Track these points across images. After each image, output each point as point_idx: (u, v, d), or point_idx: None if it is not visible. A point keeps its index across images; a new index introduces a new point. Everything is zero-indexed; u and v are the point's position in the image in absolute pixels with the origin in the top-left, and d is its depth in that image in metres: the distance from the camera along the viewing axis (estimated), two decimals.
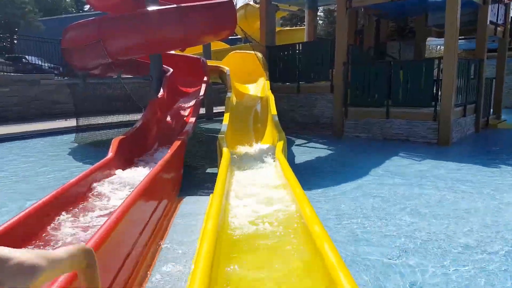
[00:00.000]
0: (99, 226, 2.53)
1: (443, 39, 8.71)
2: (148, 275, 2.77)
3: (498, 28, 10.99)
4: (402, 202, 4.50)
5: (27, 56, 17.57)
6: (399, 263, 2.97)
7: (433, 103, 8.56)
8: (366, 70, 9.49)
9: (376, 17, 12.42)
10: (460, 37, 9.14)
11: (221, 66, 10.02)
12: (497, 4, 10.75)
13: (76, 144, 8.61)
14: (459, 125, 9.14)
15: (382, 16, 12.37)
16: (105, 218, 2.83)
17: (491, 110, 11.71)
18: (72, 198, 3.66)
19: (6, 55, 19.82)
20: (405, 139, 8.86)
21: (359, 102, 9.60)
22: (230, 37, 16.26)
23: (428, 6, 11.32)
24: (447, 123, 8.33)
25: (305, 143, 8.97)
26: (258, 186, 4.26)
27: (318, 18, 30.67)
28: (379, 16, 12.36)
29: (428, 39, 13.81)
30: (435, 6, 10.87)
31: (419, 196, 4.72)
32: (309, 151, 8.03)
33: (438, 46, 21.21)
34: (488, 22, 10.04)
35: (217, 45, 15.45)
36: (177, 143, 5.20)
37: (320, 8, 29.81)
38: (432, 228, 3.70)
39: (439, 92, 8.62)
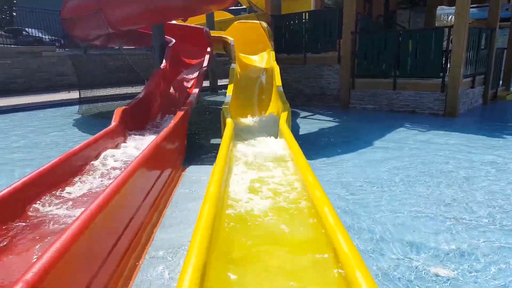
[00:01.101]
0: (101, 191, 2.55)
1: (454, 7, 8.37)
2: (151, 241, 2.82)
3: None
4: (406, 171, 4.48)
5: (27, 29, 17.30)
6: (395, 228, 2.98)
7: (441, 74, 8.36)
8: (374, 40, 9.22)
9: None
10: (472, 5, 8.77)
11: (225, 36, 9.78)
12: None
13: (79, 116, 8.62)
14: (467, 96, 8.96)
15: None
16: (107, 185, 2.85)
17: (501, 81, 11.43)
18: (75, 166, 3.69)
19: (6, 28, 19.53)
20: (412, 111, 8.74)
21: (366, 73, 9.40)
22: (234, 7, 15.80)
23: None
24: (455, 94, 8.17)
25: (310, 115, 8.88)
26: (261, 156, 4.25)
27: None
28: None
29: (439, 7, 13.32)
30: None
31: (424, 165, 4.68)
32: (314, 123, 7.96)
33: (450, 16, 20.48)
34: None
35: (220, 15, 15.03)
36: (180, 113, 5.17)
37: None
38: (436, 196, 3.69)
39: (448, 63, 8.39)
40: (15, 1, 29.53)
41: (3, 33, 16.39)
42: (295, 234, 2.49)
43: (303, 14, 10.69)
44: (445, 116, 8.23)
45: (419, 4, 12.56)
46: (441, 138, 6.29)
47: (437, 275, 2.40)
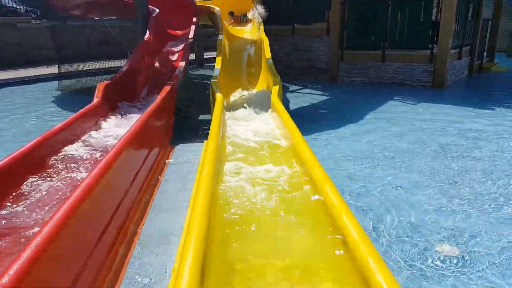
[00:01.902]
0: (88, 173, 2.45)
1: None
2: (141, 226, 2.74)
3: None
4: (393, 145, 4.51)
5: None
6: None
7: (430, 45, 8.31)
8: (364, 11, 9.02)
9: None
10: None
11: (211, 6, 9.41)
12: None
13: (59, 92, 8.28)
14: (454, 67, 8.98)
15: None
16: (93, 167, 2.72)
17: (485, 53, 11.47)
18: (57, 145, 3.54)
19: None
20: (401, 83, 8.73)
21: (355, 45, 9.27)
22: None
23: None
24: (443, 65, 8.17)
25: (299, 89, 8.79)
26: (253, 131, 4.19)
27: None
28: None
29: None
30: None
31: (415, 138, 4.72)
32: (303, 97, 7.89)
33: None
34: None
35: None
36: (167, 88, 4.99)
37: None
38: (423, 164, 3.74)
39: (437, 34, 8.32)
40: None
41: None
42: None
43: None
44: (433, 87, 8.26)
45: None
46: (429, 109, 6.34)
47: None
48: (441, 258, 2.32)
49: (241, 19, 9.94)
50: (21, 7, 16.15)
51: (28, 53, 12.79)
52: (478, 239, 2.53)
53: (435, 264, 2.27)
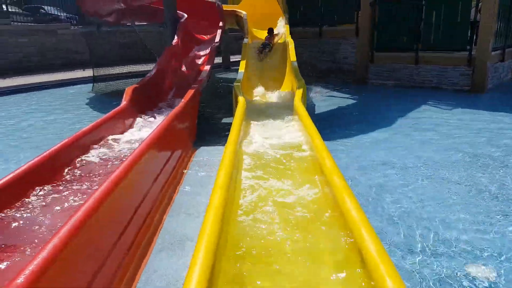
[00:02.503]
0: (111, 173, 2.49)
1: None
2: (160, 229, 2.75)
3: None
4: (426, 154, 4.26)
5: (44, 7, 17.27)
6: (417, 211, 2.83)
7: (468, 46, 7.85)
8: (395, 10, 8.70)
9: None
10: None
11: (237, 10, 9.45)
12: None
13: (93, 94, 8.61)
14: (496, 70, 8.44)
15: None
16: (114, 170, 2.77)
17: None
18: (85, 146, 3.65)
19: (24, 6, 19.56)
20: (435, 87, 8.31)
21: (386, 46, 8.95)
22: None
23: None
24: (483, 68, 7.69)
25: (326, 92, 8.59)
26: (275, 135, 4.10)
27: None
28: None
29: None
30: None
31: (452, 149, 4.44)
32: (330, 100, 7.70)
33: None
34: None
35: None
36: (191, 92, 5.03)
37: None
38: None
39: (475, 35, 7.86)
40: None
41: (21, 11, 16.43)
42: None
43: None
44: (471, 92, 7.78)
45: None
46: (468, 116, 5.93)
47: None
48: (473, 280, 2.12)
49: (262, 51, 7.93)
50: (63, 14, 17.07)
51: (66, 57, 13.44)
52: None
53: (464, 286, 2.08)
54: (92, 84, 9.05)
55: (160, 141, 3.44)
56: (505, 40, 8.49)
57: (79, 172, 3.23)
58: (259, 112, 5.33)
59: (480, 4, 7.78)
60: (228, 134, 3.54)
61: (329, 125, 5.52)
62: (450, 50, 8.09)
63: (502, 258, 2.31)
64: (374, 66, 9.18)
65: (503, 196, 3.16)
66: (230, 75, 11.18)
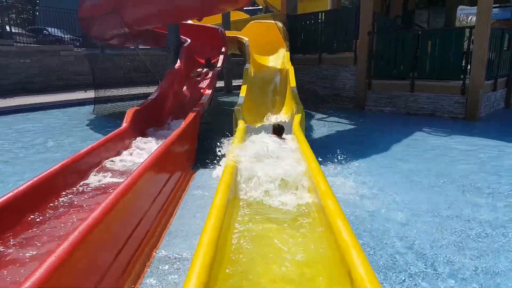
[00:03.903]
0: (109, 194, 2.51)
1: (475, 7, 8.07)
2: (157, 247, 2.76)
3: None
4: (423, 180, 4.31)
5: (48, 28, 17.67)
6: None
7: (462, 76, 8.08)
8: (392, 40, 8.99)
9: None
10: (494, 5, 8.44)
11: (240, 36, 9.74)
12: None
13: (94, 116, 8.70)
14: (489, 99, 8.64)
15: None
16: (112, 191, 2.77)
17: None
18: (83, 167, 3.66)
19: (28, 27, 20.03)
20: (431, 114, 8.48)
21: (383, 74, 9.19)
22: (250, 7, 15.70)
23: None
24: (476, 97, 7.88)
25: (325, 117, 8.73)
26: (272, 159, 4.14)
27: None
28: None
29: (459, 7, 12.91)
30: None
31: (446, 175, 4.50)
32: (329, 126, 7.81)
33: (470, 17, 19.87)
34: None
35: (236, 15, 14.99)
36: (191, 115, 5.12)
37: None
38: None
39: (469, 65, 8.11)
40: (38, 1, 30.25)
41: (25, 32, 16.79)
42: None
43: (319, 14, 10.53)
44: (465, 119, 7.94)
45: (438, 4, 12.19)
46: (462, 144, 6.04)
47: None
48: None
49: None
50: (66, 36, 17.44)
51: (68, 78, 13.65)
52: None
53: None
54: (93, 105, 9.16)
55: (159, 163, 3.47)
56: (497, 70, 8.74)
57: (73, 196, 3.22)
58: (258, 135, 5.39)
59: (473, 35, 8.06)
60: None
61: (325, 151, 5.57)
62: (444, 79, 8.31)
63: None
64: (372, 93, 9.39)
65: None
66: (232, 99, 11.36)
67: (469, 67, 8.17)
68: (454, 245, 2.83)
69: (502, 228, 3.11)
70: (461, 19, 19.51)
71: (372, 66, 9.31)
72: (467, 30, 8.46)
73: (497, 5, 10.40)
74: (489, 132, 6.84)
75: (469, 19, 19.30)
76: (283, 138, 4.69)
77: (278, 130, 4.78)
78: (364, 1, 9.17)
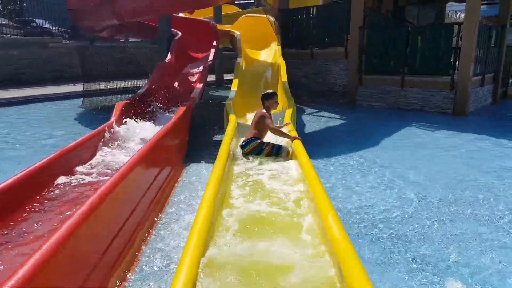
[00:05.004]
0: (96, 189, 2.50)
1: (464, 4, 8.18)
2: (147, 241, 2.76)
3: None
4: (410, 173, 4.39)
5: (36, 20, 17.33)
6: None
7: (451, 71, 8.20)
8: (383, 35, 9.06)
9: None
10: (483, 2, 8.56)
11: (231, 30, 9.69)
12: None
13: (83, 109, 8.60)
14: (476, 95, 8.78)
15: None
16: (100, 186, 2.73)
17: (510, 80, 11.18)
18: (71, 162, 3.62)
19: (15, 18, 19.59)
20: (420, 109, 8.59)
21: (374, 70, 9.26)
22: (242, 1, 15.62)
23: None
24: (464, 92, 8.00)
25: (316, 112, 8.78)
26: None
27: None
28: None
29: (448, 4, 13.04)
30: None
31: (435, 168, 4.59)
32: (320, 120, 7.86)
33: (458, 13, 20.09)
34: None
35: (228, 8, 14.89)
36: (182, 109, 5.10)
37: None
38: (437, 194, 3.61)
39: (457, 60, 8.22)
40: None
41: (12, 23, 16.44)
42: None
43: (311, 8, 10.53)
44: (454, 114, 8.07)
45: (428, 0, 12.29)
46: (450, 138, 6.15)
47: None
48: None
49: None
50: (55, 28, 17.14)
51: (58, 71, 13.43)
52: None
53: None
54: (82, 98, 9.04)
55: (149, 158, 3.45)
56: (484, 66, 8.88)
57: (58, 193, 3.18)
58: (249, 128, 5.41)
59: (461, 31, 8.17)
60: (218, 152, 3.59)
61: (315, 145, 5.63)
62: (434, 75, 8.42)
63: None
64: (362, 88, 9.46)
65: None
66: (223, 93, 11.33)
67: (457, 62, 8.29)
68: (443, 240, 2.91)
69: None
70: (450, 16, 19.69)
71: (363, 61, 9.37)
72: (456, 27, 8.56)
73: (485, 2, 10.53)
74: (477, 127, 6.96)
75: (457, 15, 19.48)
76: (281, 156, 3.95)
77: (267, 96, 4.18)
78: None
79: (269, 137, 4.28)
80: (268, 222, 2.55)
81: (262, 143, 3.99)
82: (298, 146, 3.72)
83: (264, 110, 4.15)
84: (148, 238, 2.83)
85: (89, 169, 3.76)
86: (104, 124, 4.53)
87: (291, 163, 3.67)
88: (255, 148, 3.94)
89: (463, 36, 7.98)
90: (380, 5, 11.79)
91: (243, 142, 4.05)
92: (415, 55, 8.64)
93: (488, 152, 5.36)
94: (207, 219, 2.15)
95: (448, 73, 8.22)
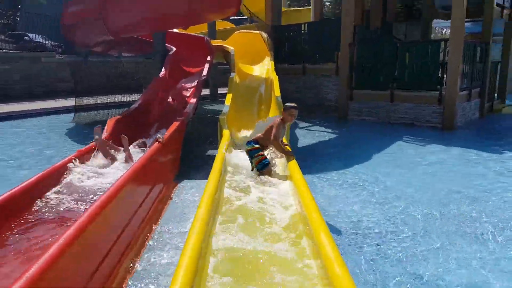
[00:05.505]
0: (87, 208, 2.48)
1: (449, 21, 8.45)
2: (138, 260, 2.73)
3: (505, 11, 10.64)
4: (400, 188, 4.46)
5: (29, 34, 17.35)
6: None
7: (439, 86, 8.40)
8: (372, 52, 9.27)
9: None
10: (467, 19, 8.86)
11: (225, 46, 9.83)
12: None
13: (74, 124, 8.53)
14: (464, 109, 8.98)
15: None
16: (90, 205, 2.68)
17: (496, 94, 11.47)
18: (59, 180, 3.55)
19: (8, 33, 19.59)
20: (411, 123, 8.74)
21: (364, 85, 9.43)
22: (236, 17, 15.87)
23: None
24: (452, 107, 8.18)
25: (309, 126, 8.88)
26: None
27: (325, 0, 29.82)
28: None
29: (435, 21, 13.43)
30: None
31: (426, 184, 4.66)
32: (312, 134, 7.95)
33: (444, 29, 20.70)
34: (495, 5, 9.72)
35: (222, 24, 15.13)
36: (175, 125, 5.10)
37: None
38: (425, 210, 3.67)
39: (445, 76, 8.44)
40: (19, 6, 29.59)
41: (4, 38, 16.43)
42: None
43: (302, 25, 10.76)
44: (443, 129, 8.23)
45: (415, 17, 12.66)
46: (439, 152, 6.25)
47: None
48: None
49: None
50: (48, 42, 17.15)
51: (50, 85, 13.40)
52: None
53: None
54: (73, 113, 8.99)
55: (140, 176, 3.41)
56: (471, 81, 9.12)
57: (52, 203, 3.16)
58: (243, 144, 5.44)
59: (448, 47, 8.41)
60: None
61: (308, 159, 5.70)
62: (422, 90, 8.60)
63: None
64: (353, 102, 9.61)
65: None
66: (218, 107, 11.40)
67: (445, 78, 8.50)
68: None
69: None
70: (436, 31, 20.24)
71: (353, 77, 9.55)
72: (443, 43, 8.81)
73: (469, 19, 10.86)
74: (465, 141, 7.09)
75: (444, 31, 20.04)
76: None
77: (285, 108, 4.00)
78: (345, 13, 9.44)
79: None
80: (260, 262, 2.29)
81: (259, 150, 3.97)
82: (293, 168, 3.60)
83: (278, 120, 4.08)
84: (138, 258, 2.78)
85: (80, 184, 3.70)
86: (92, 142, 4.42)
87: (286, 184, 3.57)
88: (254, 151, 3.95)
89: (450, 52, 8.21)
90: (369, 22, 12.09)
91: (251, 140, 4.08)
92: (404, 70, 8.84)
93: (474, 166, 5.46)
94: (193, 262, 1.96)
95: (436, 88, 8.41)
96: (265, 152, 4.06)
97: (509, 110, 11.18)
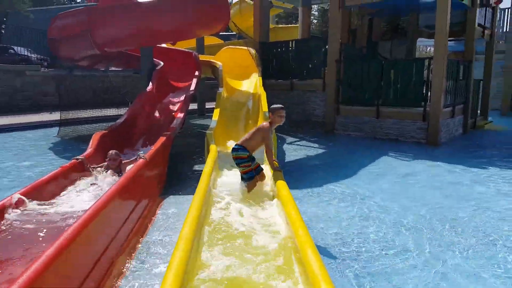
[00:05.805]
0: (72, 224, 2.41)
1: (433, 40, 8.71)
2: (123, 275, 2.66)
3: (486, 31, 11.05)
4: (387, 204, 4.46)
5: (14, 47, 17.14)
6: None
7: (423, 103, 8.58)
8: (358, 69, 9.45)
9: (370, 16, 12.38)
10: (450, 38, 9.15)
11: (213, 61, 9.87)
12: (484, 8, 10.81)
13: (58, 139, 8.37)
14: (448, 126, 9.17)
15: (375, 15, 12.34)
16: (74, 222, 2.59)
17: (479, 111, 11.79)
18: (43, 196, 3.46)
19: None
20: (395, 139, 8.87)
21: (350, 101, 9.58)
22: (224, 33, 16.05)
23: (420, 7, 11.33)
24: (436, 123, 8.34)
25: (296, 141, 8.91)
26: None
27: (312, 18, 30.59)
28: (372, 15, 12.32)
29: (419, 39, 13.84)
30: (426, 7, 10.88)
31: (409, 200, 4.68)
32: (299, 149, 7.97)
33: (428, 48, 21.39)
34: (476, 25, 10.08)
35: (210, 40, 15.26)
36: (161, 140, 5.05)
37: (315, 7, 29.78)
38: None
39: (429, 93, 8.63)
40: (5, 19, 29.37)
41: None
42: None
43: (290, 42, 10.93)
44: (427, 144, 8.36)
45: (400, 36, 13.03)
46: (424, 168, 6.31)
47: None
48: None
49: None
50: (33, 56, 16.96)
51: (34, 99, 13.18)
52: None
53: None
54: (58, 127, 8.82)
55: (125, 191, 3.34)
56: (454, 98, 9.35)
57: (35, 220, 3.04)
58: (230, 159, 5.40)
59: (431, 65, 8.63)
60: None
61: (295, 174, 5.69)
62: (407, 106, 8.77)
63: None
64: (340, 118, 9.72)
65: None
66: (205, 121, 11.37)
67: (429, 94, 8.69)
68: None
69: None
70: (421, 49, 20.86)
71: (340, 93, 9.69)
72: (427, 61, 9.05)
73: (453, 38, 11.23)
74: (448, 157, 7.20)
75: (428, 49, 20.67)
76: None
77: (272, 110, 3.92)
78: (331, 31, 9.65)
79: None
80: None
81: (248, 159, 3.84)
82: (281, 187, 3.44)
83: (267, 124, 3.95)
84: (121, 276, 2.69)
85: (63, 202, 3.60)
86: (81, 155, 4.36)
87: (274, 204, 3.49)
88: (241, 159, 3.83)
89: (433, 70, 8.43)
90: (355, 40, 12.37)
91: (236, 145, 3.90)
92: (389, 87, 9.02)
93: (459, 180, 5.52)
94: (184, 258, 2.03)
95: (420, 104, 8.58)
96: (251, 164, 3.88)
97: (491, 127, 11.48)
